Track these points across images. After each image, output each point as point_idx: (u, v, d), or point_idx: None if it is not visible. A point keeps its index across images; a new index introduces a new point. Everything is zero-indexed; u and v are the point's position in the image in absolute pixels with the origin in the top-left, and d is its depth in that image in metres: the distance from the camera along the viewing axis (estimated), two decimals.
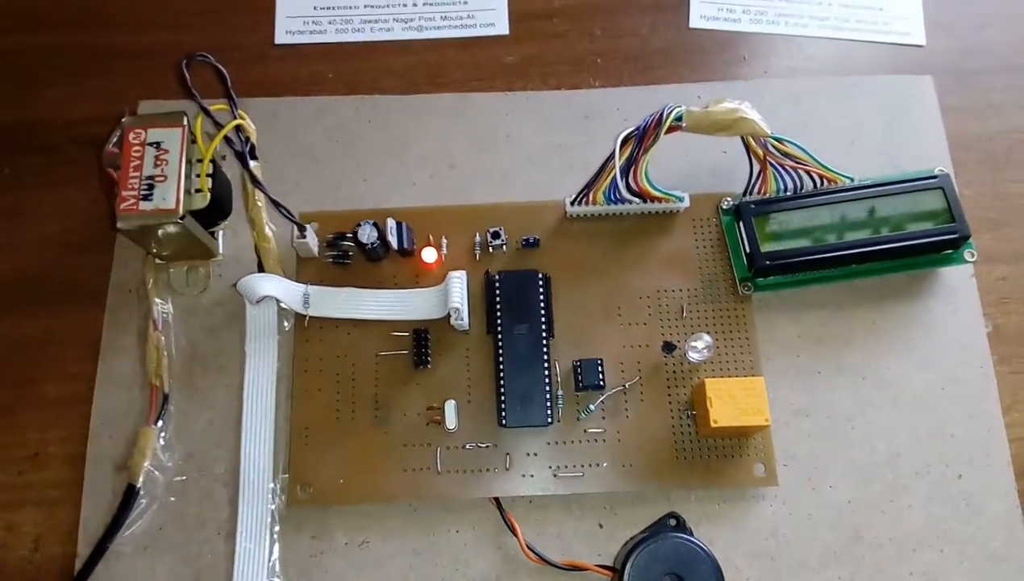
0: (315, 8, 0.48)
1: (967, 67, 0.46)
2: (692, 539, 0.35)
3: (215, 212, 0.40)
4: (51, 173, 0.44)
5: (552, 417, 0.37)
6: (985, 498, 0.38)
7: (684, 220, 0.41)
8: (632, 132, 0.38)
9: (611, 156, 0.39)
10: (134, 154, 0.38)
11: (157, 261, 0.41)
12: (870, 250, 0.39)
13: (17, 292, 0.42)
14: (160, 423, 0.39)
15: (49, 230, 0.43)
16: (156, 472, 0.38)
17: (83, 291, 0.42)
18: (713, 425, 0.35)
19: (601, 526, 0.38)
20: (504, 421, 0.37)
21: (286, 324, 0.40)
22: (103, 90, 0.46)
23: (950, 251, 0.40)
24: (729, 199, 0.41)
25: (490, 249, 0.41)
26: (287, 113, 0.44)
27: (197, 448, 0.39)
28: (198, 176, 0.38)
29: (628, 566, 0.34)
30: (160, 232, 0.38)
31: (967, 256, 0.40)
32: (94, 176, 0.44)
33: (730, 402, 0.36)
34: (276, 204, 0.38)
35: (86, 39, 0.47)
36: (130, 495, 0.38)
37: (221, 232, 0.42)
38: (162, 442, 0.39)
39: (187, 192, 0.38)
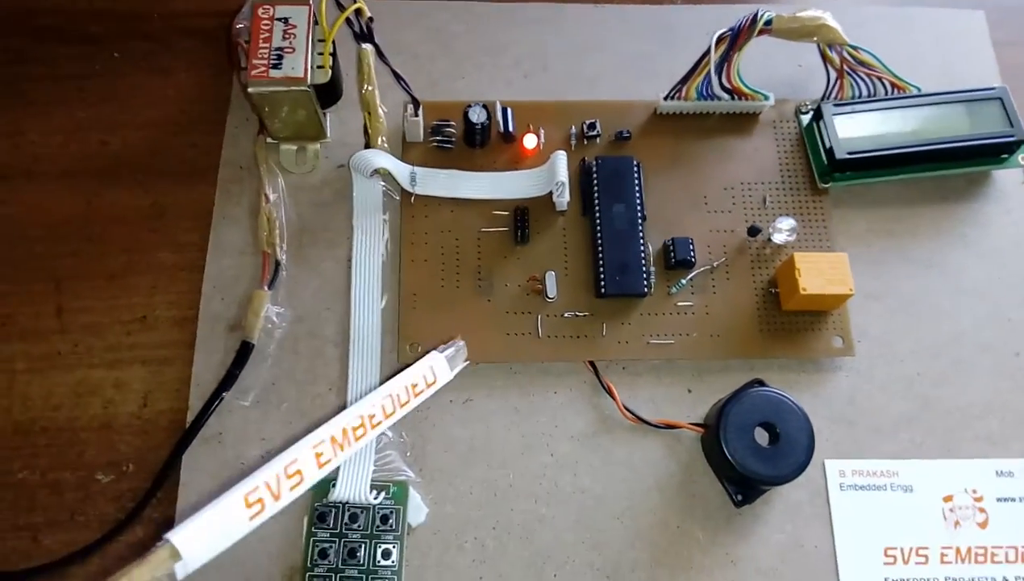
0: None
1: (1015, 5, 0.50)
2: (782, 392, 0.38)
3: (329, 93, 0.43)
4: (159, 59, 0.46)
5: (648, 288, 0.40)
6: None
7: (765, 122, 0.44)
8: (726, 32, 0.42)
9: (706, 53, 0.42)
10: (263, 27, 0.40)
11: (268, 140, 0.43)
12: (936, 149, 0.42)
13: (130, 168, 0.44)
14: (272, 288, 0.41)
15: (158, 112, 0.45)
16: (268, 333, 0.40)
17: (194, 168, 0.44)
18: (802, 293, 0.38)
19: (690, 391, 0.40)
20: (603, 289, 0.40)
21: (390, 205, 0.43)
22: None
23: (1005, 156, 0.43)
24: (808, 103, 0.44)
25: (585, 141, 0.44)
26: (389, 15, 0.47)
27: (308, 312, 0.41)
28: (320, 54, 0.40)
29: (725, 415, 0.37)
30: (285, 102, 0.40)
31: (1021, 160, 0.43)
32: (201, 63, 0.46)
33: (817, 273, 0.39)
34: (397, 77, 0.40)
35: None
36: (245, 351, 0.39)
37: (328, 116, 0.44)
38: (274, 306, 0.41)
39: (312, 67, 0.40)
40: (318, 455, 0.28)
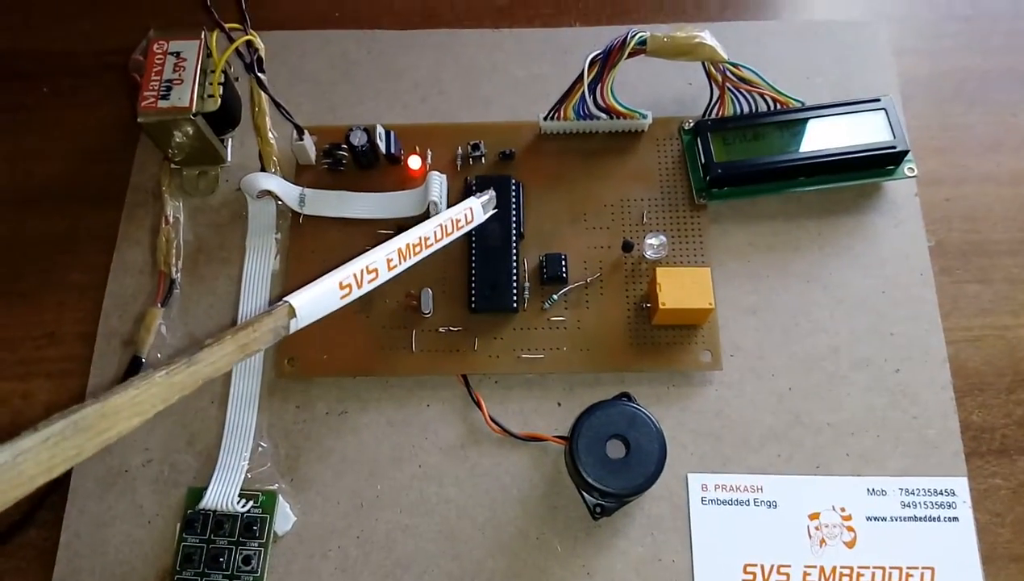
0: None
1: (918, 14, 0.50)
2: (637, 406, 0.38)
3: (225, 120, 0.45)
4: (84, 93, 0.49)
5: (518, 304, 0.41)
6: (921, 390, 0.40)
7: (648, 140, 0.45)
8: (599, 54, 0.42)
9: (580, 75, 0.43)
10: (156, 61, 0.42)
11: (172, 165, 0.46)
12: (815, 162, 0.42)
13: (48, 193, 0.47)
14: (166, 305, 0.43)
15: (80, 142, 0.48)
16: (159, 349, 0.42)
17: (107, 194, 0.46)
18: (662, 307, 0.38)
19: (559, 404, 0.41)
20: (474, 305, 0.41)
21: (283, 224, 0.45)
22: (133, 24, 0.51)
23: (891, 166, 0.43)
24: (691, 121, 0.45)
25: (470, 161, 0.45)
26: (296, 44, 0.49)
27: (198, 327, 0.43)
28: (211, 83, 0.43)
29: (578, 428, 0.37)
30: (176, 130, 0.42)
31: (907, 171, 0.43)
32: (122, 96, 0.49)
33: (678, 287, 0.39)
34: (278, 105, 0.42)
35: None
36: (135, 366, 0.42)
37: (230, 141, 0.47)
38: (167, 322, 0.43)
39: (200, 96, 0.42)
40: (389, 260, 0.35)
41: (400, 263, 0.36)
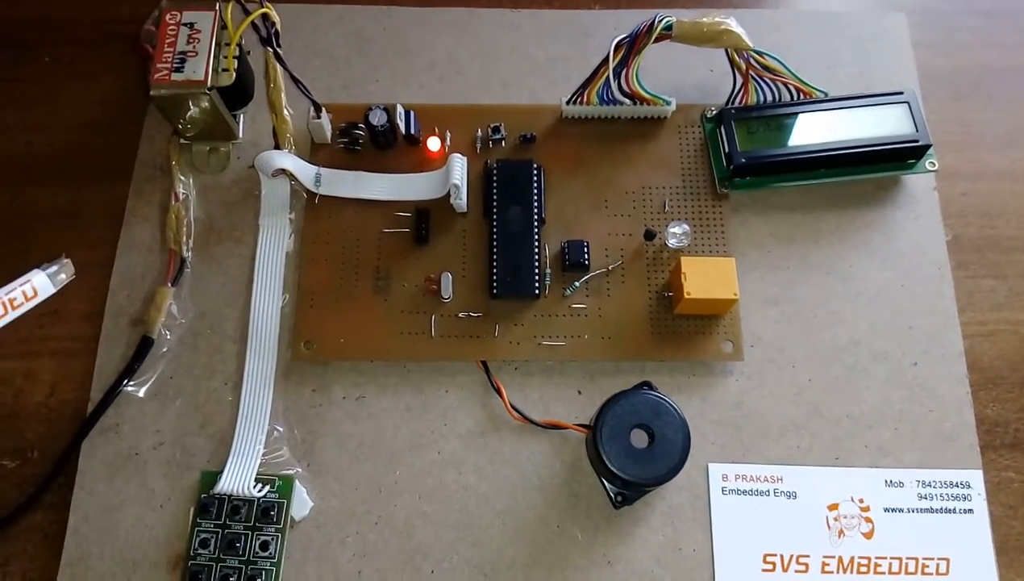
0: None
1: (937, 8, 0.50)
2: (661, 395, 0.38)
3: (238, 95, 0.44)
4: (87, 63, 0.48)
5: (540, 290, 0.41)
6: (938, 384, 0.40)
7: (671, 126, 0.45)
8: (625, 38, 0.42)
9: (605, 59, 0.42)
10: (169, 32, 0.41)
11: (182, 141, 0.45)
12: (837, 154, 0.42)
13: (52, 166, 0.45)
14: (176, 284, 0.42)
15: (83, 114, 0.47)
16: (169, 329, 0.41)
17: (112, 168, 0.45)
18: (686, 297, 0.38)
19: (580, 392, 0.40)
20: (495, 290, 0.40)
21: (298, 205, 0.43)
22: None
23: (912, 160, 0.43)
24: (713, 108, 0.44)
25: (490, 144, 0.44)
26: (310, 19, 0.48)
27: (210, 308, 0.42)
28: (226, 57, 0.42)
29: (602, 416, 0.37)
30: (189, 104, 0.41)
31: (928, 165, 0.43)
32: (127, 67, 0.48)
33: (703, 278, 0.39)
34: (295, 80, 0.41)
35: None
36: (144, 345, 0.41)
37: (242, 117, 0.45)
38: (177, 302, 0.42)
39: (215, 70, 0.41)
40: None
41: None
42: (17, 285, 0.34)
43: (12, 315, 0.33)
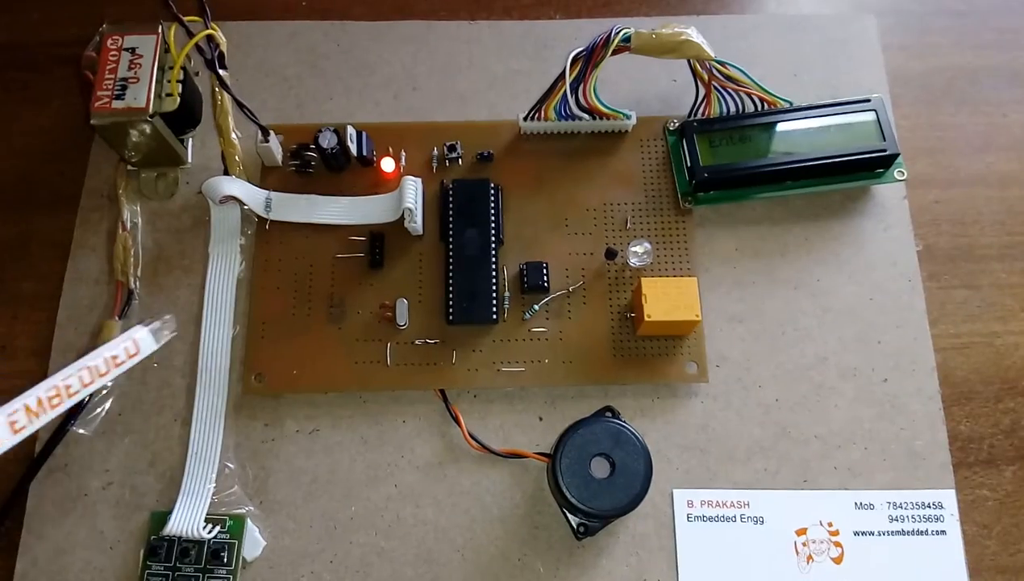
0: None
1: (908, 8, 0.48)
2: (622, 423, 0.37)
3: (185, 119, 0.43)
4: (34, 88, 0.47)
5: (498, 315, 0.39)
6: (909, 400, 0.39)
7: (632, 140, 0.43)
8: (582, 51, 0.40)
9: (562, 73, 0.41)
10: (110, 58, 0.40)
11: (129, 167, 0.43)
12: (803, 166, 0.41)
13: None
14: (124, 317, 0.41)
15: (31, 140, 0.45)
16: None
17: (60, 197, 0.44)
18: (647, 319, 0.37)
19: (541, 419, 0.39)
20: (451, 317, 0.39)
21: (249, 230, 0.42)
22: (87, 13, 0.48)
23: (881, 170, 0.42)
24: (675, 121, 0.43)
25: (447, 162, 0.43)
26: (260, 36, 0.47)
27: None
28: (169, 81, 0.40)
29: (561, 447, 0.36)
30: (132, 132, 0.40)
31: (897, 175, 0.42)
32: (74, 91, 0.46)
33: (664, 299, 0.37)
34: (240, 105, 0.40)
35: None
36: None
37: (190, 141, 0.44)
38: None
39: (158, 95, 0.40)
40: (12, 423, 0.29)
41: (29, 423, 0.29)
42: (119, 342, 0.33)
43: (114, 373, 0.32)
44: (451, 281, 0.39)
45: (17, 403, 0.29)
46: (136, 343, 0.33)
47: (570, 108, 0.41)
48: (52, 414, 0.30)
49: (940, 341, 0.41)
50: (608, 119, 0.42)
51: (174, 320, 0.35)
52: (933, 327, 0.41)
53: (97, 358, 0.32)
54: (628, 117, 0.42)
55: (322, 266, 0.41)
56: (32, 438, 0.39)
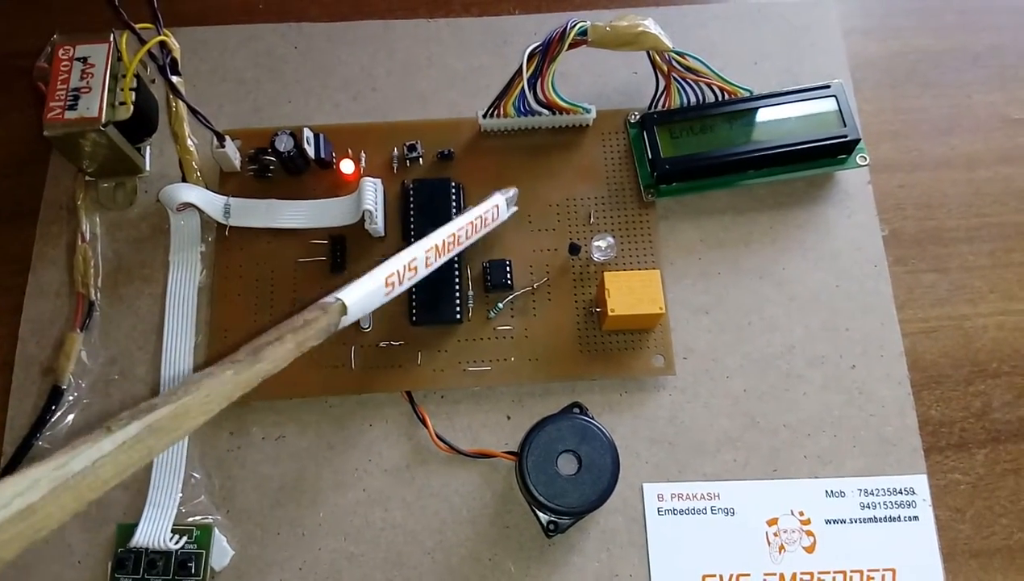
0: None
1: None
2: (588, 418, 0.36)
3: (142, 126, 0.42)
4: None
5: (462, 315, 0.39)
6: (878, 386, 0.39)
7: (593, 134, 0.43)
8: (538, 46, 0.40)
9: (519, 69, 0.40)
10: (62, 68, 0.39)
11: (87, 177, 0.43)
12: (765, 155, 0.40)
13: None
14: (86, 329, 0.40)
15: None
16: (80, 377, 0.40)
17: (19, 209, 0.43)
18: (611, 314, 0.37)
19: (509, 418, 0.39)
20: (415, 318, 0.39)
21: (209, 237, 0.42)
22: (41, 24, 0.47)
23: (843, 156, 0.41)
24: (636, 113, 0.43)
25: (407, 162, 0.42)
26: (216, 40, 0.46)
27: (120, 352, 0.40)
28: (123, 89, 0.40)
29: (527, 446, 0.36)
30: (86, 142, 0.39)
31: (859, 160, 0.41)
32: (31, 104, 0.46)
33: (627, 293, 0.37)
34: (194, 111, 0.39)
35: None
36: (55, 395, 0.39)
37: (148, 149, 0.44)
38: (87, 347, 0.40)
39: (111, 105, 0.39)
40: (427, 258, 0.35)
41: (435, 260, 0.35)
42: (486, 206, 0.38)
43: (477, 235, 0.38)
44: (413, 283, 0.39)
45: (428, 243, 0.35)
46: (496, 209, 0.39)
47: (529, 104, 0.41)
48: (449, 255, 0.36)
49: (908, 326, 0.40)
50: (568, 113, 0.42)
51: (516, 195, 0.40)
52: (900, 311, 0.41)
53: (474, 216, 0.37)
54: (588, 111, 0.42)
55: (284, 271, 0.41)
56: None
